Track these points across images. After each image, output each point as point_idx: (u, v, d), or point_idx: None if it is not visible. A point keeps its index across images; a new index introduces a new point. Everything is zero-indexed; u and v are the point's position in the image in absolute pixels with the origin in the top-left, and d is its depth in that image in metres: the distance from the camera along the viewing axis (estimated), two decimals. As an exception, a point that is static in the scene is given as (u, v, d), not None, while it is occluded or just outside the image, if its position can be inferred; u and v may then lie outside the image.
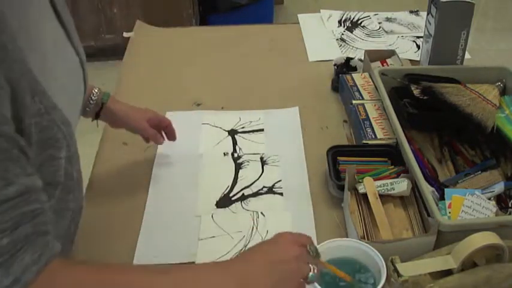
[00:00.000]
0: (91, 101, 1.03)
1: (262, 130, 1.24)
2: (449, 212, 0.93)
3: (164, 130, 1.14)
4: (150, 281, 0.65)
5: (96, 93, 1.04)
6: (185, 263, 0.92)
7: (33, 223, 0.58)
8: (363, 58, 1.38)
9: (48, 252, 0.59)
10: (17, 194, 0.57)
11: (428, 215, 0.90)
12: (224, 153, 1.17)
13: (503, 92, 1.18)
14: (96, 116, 1.06)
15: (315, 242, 0.94)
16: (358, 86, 1.27)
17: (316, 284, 0.77)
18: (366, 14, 1.76)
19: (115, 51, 2.71)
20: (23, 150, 0.59)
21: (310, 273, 0.70)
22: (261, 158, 1.16)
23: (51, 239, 0.60)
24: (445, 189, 0.97)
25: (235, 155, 1.17)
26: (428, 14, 1.25)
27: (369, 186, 0.96)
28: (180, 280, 0.66)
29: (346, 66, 1.41)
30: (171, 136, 1.15)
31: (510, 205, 0.97)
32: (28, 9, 0.68)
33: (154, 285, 0.65)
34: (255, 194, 1.07)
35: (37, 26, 0.70)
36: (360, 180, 0.97)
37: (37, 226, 0.59)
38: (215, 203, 1.05)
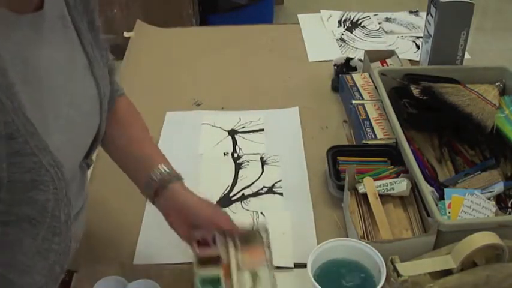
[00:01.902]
0: (153, 177, 0.85)
1: (262, 130, 1.24)
2: (449, 212, 0.93)
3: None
4: None
5: (164, 171, 0.85)
6: (185, 263, 0.92)
7: None
8: (362, 58, 1.38)
9: None
10: None
11: (428, 215, 0.90)
12: (224, 153, 1.17)
13: (502, 92, 1.18)
14: (155, 195, 0.86)
15: (315, 242, 0.95)
16: (358, 86, 1.27)
17: (316, 284, 0.77)
18: (366, 14, 1.76)
19: (115, 51, 2.71)
20: None
21: None
22: (261, 158, 1.16)
23: None
24: (445, 189, 0.97)
25: (235, 155, 1.17)
26: (428, 14, 1.25)
27: (369, 186, 0.96)
28: None
29: (346, 66, 1.41)
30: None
31: (510, 205, 0.97)
32: (35, 45, 0.66)
33: None
34: (255, 194, 1.07)
35: (45, 61, 0.67)
36: (360, 180, 0.97)
37: None
38: (215, 203, 1.05)
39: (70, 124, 0.71)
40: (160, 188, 0.84)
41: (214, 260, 0.81)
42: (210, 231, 0.83)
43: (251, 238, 0.84)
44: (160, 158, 0.87)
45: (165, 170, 0.84)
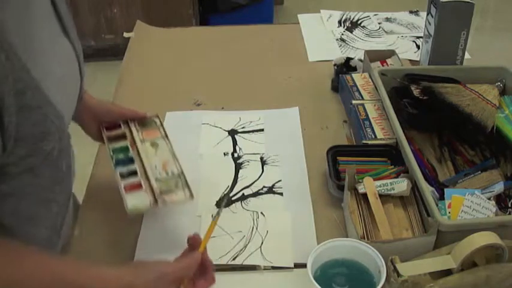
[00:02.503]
0: None
1: (262, 130, 1.24)
2: (449, 212, 0.93)
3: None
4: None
5: None
6: (185, 263, 0.92)
7: None
8: (362, 58, 1.38)
9: None
10: None
11: (428, 215, 0.90)
12: (224, 153, 1.17)
13: (502, 92, 1.18)
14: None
15: (315, 242, 0.95)
16: (358, 86, 1.27)
17: (316, 284, 0.77)
18: (366, 14, 1.76)
19: (115, 51, 2.71)
20: None
21: None
22: (261, 158, 1.16)
23: None
24: (445, 189, 0.97)
25: (235, 155, 1.17)
26: (428, 14, 1.25)
27: (369, 186, 0.96)
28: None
29: (346, 66, 1.41)
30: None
31: (510, 205, 0.97)
32: (26, 8, 0.70)
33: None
34: (255, 194, 1.07)
35: (35, 23, 0.72)
36: (360, 180, 0.97)
37: None
38: (215, 203, 1.05)
39: (61, 81, 0.77)
40: None
41: (121, 138, 1.00)
42: (116, 121, 1.03)
43: (148, 124, 1.04)
44: None
45: None
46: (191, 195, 0.90)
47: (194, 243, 0.83)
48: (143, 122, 1.04)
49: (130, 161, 0.96)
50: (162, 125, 1.04)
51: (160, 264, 0.79)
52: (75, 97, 0.86)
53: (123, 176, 0.93)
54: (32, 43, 0.71)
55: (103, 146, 1.19)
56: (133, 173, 0.93)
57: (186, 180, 0.93)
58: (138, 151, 0.97)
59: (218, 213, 0.89)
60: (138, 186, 0.91)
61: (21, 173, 0.72)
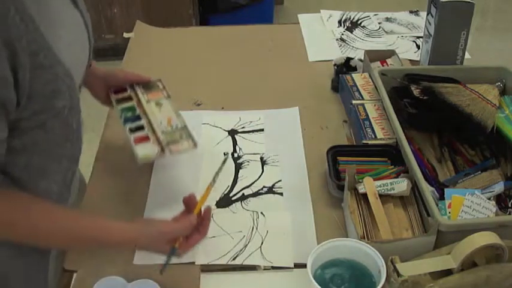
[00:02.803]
0: None
1: (262, 130, 1.24)
2: (449, 212, 0.93)
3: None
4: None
5: None
6: (185, 263, 0.92)
7: None
8: (362, 58, 1.38)
9: None
10: None
11: (428, 215, 0.90)
12: (224, 153, 1.17)
13: (503, 92, 1.18)
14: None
15: (315, 242, 0.95)
16: (358, 86, 1.27)
17: (316, 284, 0.77)
18: (366, 14, 1.76)
19: (115, 51, 2.71)
20: (5, 107, 0.71)
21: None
22: (261, 158, 1.16)
23: None
24: (445, 189, 0.97)
25: (235, 155, 1.17)
26: (428, 14, 1.25)
27: (369, 186, 0.96)
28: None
29: (346, 66, 1.41)
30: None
31: (510, 205, 0.97)
32: None
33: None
34: (255, 194, 1.07)
35: None
36: (360, 180, 0.97)
37: None
38: (215, 203, 1.05)
39: (71, 46, 0.83)
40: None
41: (128, 99, 1.10)
42: (123, 85, 1.12)
43: (152, 86, 1.14)
44: None
45: None
46: (195, 144, 1.00)
47: (189, 203, 0.90)
48: (147, 85, 1.14)
49: (138, 117, 1.05)
50: (164, 87, 1.13)
51: (160, 224, 0.89)
52: (85, 61, 0.92)
53: (132, 130, 1.03)
54: (47, 10, 0.77)
55: (103, 146, 1.19)
56: (141, 127, 1.03)
57: (189, 132, 1.02)
58: (144, 110, 1.07)
59: (214, 179, 0.95)
60: (146, 138, 1.01)
61: (33, 128, 0.78)
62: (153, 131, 1.02)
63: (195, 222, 0.90)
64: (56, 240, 0.84)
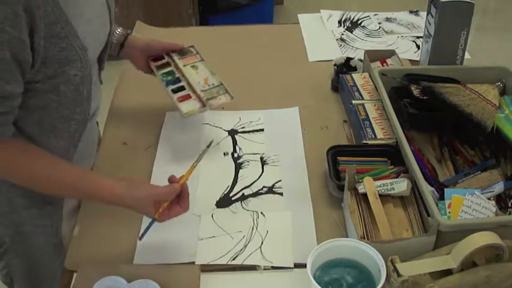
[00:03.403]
0: (115, 35, 1.18)
1: (262, 130, 1.24)
2: (449, 212, 0.93)
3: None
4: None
5: (118, 31, 1.20)
6: (185, 263, 0.92)
7: (2, 118, 0.83)
8: (362, 58, 1.38)
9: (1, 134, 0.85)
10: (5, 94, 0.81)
11: (428, 215, 0.90)
12: (224, 153, 1.17)
13: (503, 92, 1.18)
14: (120, 47, 1.20)
15: (315, 242, 0.95)
16: (358, 86, 1.27)
17: (316, 284, 0.77)
18: (366, 14, 1.76)
19: (115, 51, 2.71)
20: (21, 65, 0.81)
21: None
22: (261, 158, 1.16)
23: (6, 131, 0.86)
24: (445, 189, 0.97)
25: (235, 155, 1.17)
26: (428, 14, 1.25)
27: (369, 186, 0.96)
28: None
29: (346, 66, 1.41)
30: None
31: (510, 205, 0.97)
32: None
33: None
34: (255, 194, 1.07)
35: None
36: (360, 180, 0.97)
37: (3, 121, 0.84)
38: (215, 203, 1.05)
39: (89, 22, 0.92)
40: (122, 42, 1.19)
41: (166, 65, 1.22)
42: (160, 53, 1.24)
43: (186, 52, 1.26)
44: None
45: (119, 31, 1.19)
46: (232, 97, 1.14)
47: (174, 180, 0.94)
48: (182, 51, 1.26)
49: (178, 80, 1.18)
50: (198, 52, 1.26)
51: (147, 186, 0.96)
52: (104, 38, 1.02)
53: (174, 91, 1.15)
54: None
55: (103, 146, 1.19)
56: (182, 88, 1.16)
57: (225, 88, 1.16)
58: (182, 73, 1.19)
59: (199, 159, 1.01)
60: (188, 96, 1.14)
61: (46, 91, 0.88)
62: (193, 90, 1.14)
63: (179, 190, 0.93)
64: (52, 188, 0.93)
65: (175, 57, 1.23)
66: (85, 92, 0.93)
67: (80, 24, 0.88)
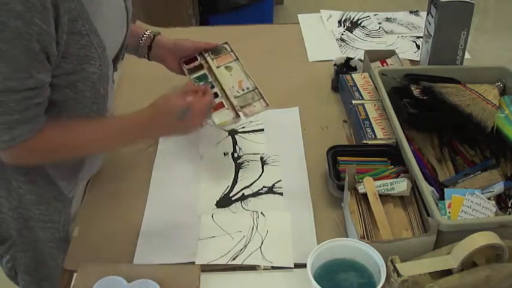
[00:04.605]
0: (143, 37, 1.19)
1: (262, 130, 1.24)
2: (449, 212, 0.93)
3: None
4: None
5: (146, 33, 1.20)
6: (185, 263, 0.92)
7: (35, 109, 0.85)
8: (362, 58, 1.38)
9: (36, 128, 0.86)
10: (34, 86, 0.82)
11: (428, 215, 0.90)
12: (224, 153, 1.17)
13: (503, 92, 1.18)
14: (149, 49, 1.20)
15: (315, 242, 0.95)
16: (358, 86, 1.27)
17: (316, 284, 0.77)
18: (366, 14, 1.76)
19: (115, 51, 2.71)
20: (48, 56, 0.82)
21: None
22: (261, 158, 1.16)
23: (42, 120, 0.88)
24: (445, 189, 0.97)
25: (235, 155, 1.17)
26: (428, 14, 1.25)
27: (369, 186, 0.96)
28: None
29: (346, 66, 1.41)
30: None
31: (510, 205, 0.97)
32: None
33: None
34: (255, 194, 1.07)
35: None
36: (360, 180, 0.97)
37: (37, 112, 0.86)
38: (215, 203, 1.05)
39: (109, 21, 0.94)
40: (150, 43, 1.19)
41: (199, 68, 1.17)
42: (192, 54, 1.20)
43: (220, 51, 1.20)
44: (139, 28, 1.20)
45: (147, 33, 1.19)
46: (267, 104, 1.08)
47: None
48: (215, 50, 1.20)
49: (211, 86, 1.11)
50: (232, 50, 1.20)
51: (164, 95, 1.01)
52: (120, 40, 1.03)
53: None
54: None
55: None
56: (215, 95, 1.09)
57: (260, 93, 1.10)
58: (215, 76, 1.13)
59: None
60: (221, 105, 1.08)
61: (64, 87, 0.89)
62: (227, 97, 1.09)
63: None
64: (105, 145, 0.99)
65: (209, 58, 1.18)
66: (102, 90, 0.94)
67: (99, 23, 0.89)
